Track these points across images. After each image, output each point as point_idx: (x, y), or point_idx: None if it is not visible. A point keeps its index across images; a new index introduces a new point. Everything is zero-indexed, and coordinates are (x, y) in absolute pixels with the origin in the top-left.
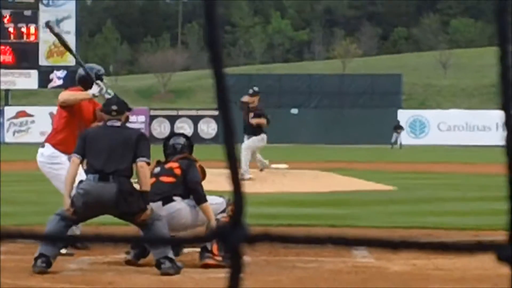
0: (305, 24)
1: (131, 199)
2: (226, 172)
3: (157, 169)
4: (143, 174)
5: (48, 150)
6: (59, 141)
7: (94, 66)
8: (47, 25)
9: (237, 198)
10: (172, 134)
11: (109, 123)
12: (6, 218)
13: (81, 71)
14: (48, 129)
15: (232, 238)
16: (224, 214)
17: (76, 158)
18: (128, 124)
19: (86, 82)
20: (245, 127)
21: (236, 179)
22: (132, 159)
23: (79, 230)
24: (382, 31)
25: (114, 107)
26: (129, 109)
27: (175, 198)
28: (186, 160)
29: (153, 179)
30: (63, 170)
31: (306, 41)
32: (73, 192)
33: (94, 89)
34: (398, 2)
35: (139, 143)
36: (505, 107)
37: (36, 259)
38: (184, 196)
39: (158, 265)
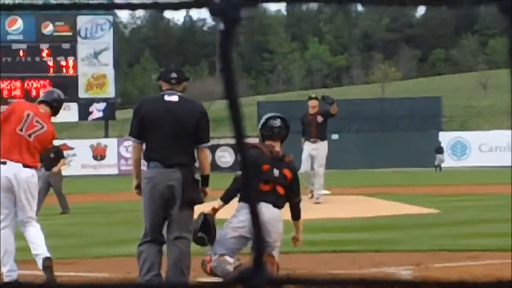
0: (343, 49)
1: (196, 187)
2: (249, 215)
3: (276, 172)
4: (206, 159)
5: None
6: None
7: (55, 90)
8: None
9: (258, 241)
10: (272, 116)
11: (166, 97)
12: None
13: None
14: (89, 161)
15: (255, 281)
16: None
17: (137, 144)
18: None
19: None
20: (309, 133)
21: (256, 223)
22: (193, 145)
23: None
24: (420, 53)
25: (174, 75)
26: (187, 78)
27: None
28: (292, 164)
29: (270, 185)
30: None
31: (344, 66)
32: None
33: None
34: (436, 23)
35: (200, 126)
36: None
37: None
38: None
39: None
